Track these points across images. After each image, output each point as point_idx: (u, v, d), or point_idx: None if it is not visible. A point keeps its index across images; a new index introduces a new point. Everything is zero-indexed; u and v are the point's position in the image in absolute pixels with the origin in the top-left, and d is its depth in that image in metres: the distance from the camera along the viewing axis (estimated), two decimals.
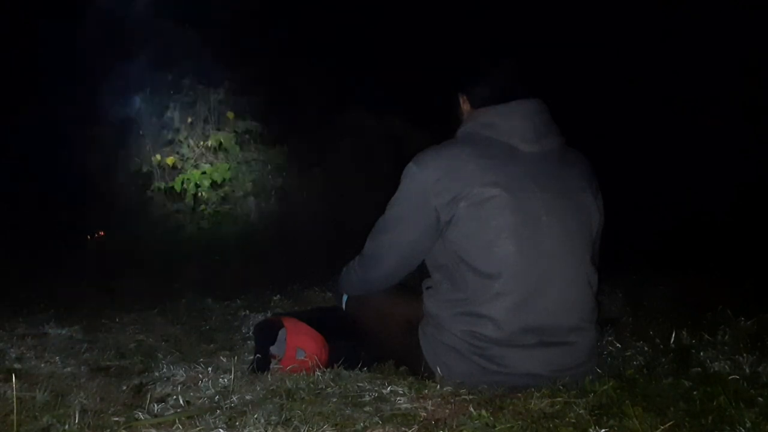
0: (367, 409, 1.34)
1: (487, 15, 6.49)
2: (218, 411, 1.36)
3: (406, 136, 5.92)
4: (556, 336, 1.50)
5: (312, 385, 1.53)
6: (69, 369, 1.87)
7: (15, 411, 1.33)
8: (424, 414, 1.31)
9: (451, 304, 1.55)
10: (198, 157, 5.95)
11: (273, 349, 1.78)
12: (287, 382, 1.56)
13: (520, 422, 1.24)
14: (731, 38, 5.95)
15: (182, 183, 5.82)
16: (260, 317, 2.65)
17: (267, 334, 1.81)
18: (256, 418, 1.28)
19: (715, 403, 1.31)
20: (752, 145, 5.81)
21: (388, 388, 1.47)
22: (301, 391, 1.48)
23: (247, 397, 1.48)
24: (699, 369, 1.65)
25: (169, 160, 5.88)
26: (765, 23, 5.51)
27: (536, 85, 1.61)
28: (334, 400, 1.41)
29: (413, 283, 1.77)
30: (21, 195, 5.76)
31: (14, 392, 1.41)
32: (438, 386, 1.48)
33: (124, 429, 1.29)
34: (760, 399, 1.35)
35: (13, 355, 2.01)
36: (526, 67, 1.63)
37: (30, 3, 6.03)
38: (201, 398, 1.51)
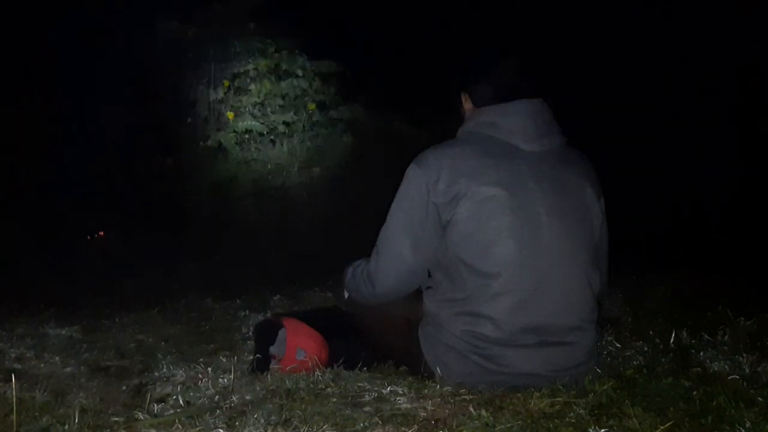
0: (367, 409, 1.34)
1: (488, 15, 6.49)
2: (218, 411, 1.36)
3: (406, 135, 5.92)
4: (556, 336, 1.50)
5: (312, 385, 1.52)
6: (69, 369, 1.87)
7: (15, 411, 1.33)
8: (424, 414, 1.31)
9: (450, 303, 1.55)
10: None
11: (273, 349, 1.77)
12: (287, 382, 1.56)
13: (519, 422, 1.23)
14: (729, 37, 5.95)
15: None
16: (260, 317, 2.65)
17: (267, 334, 1.80)
18: (256, 418, 1.28)
19: (715, 403, 1.31)
20: (753, 146, 5.81)
21: (388, 388, 1.47)
22: (301, 391, 1.48)
23: (247, 397, 1.48)
24: (699, 369, 1.65)
25: None
26: (761, 23, 5.52)
27: (537, 84, 1.61)
28: (334, 400, 1.41)
29: None
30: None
31: (14, 392, 1.41)
32: (438, 386, 1.48)
33: (124, 429, 1.29)
34: (760, 399, 1.35)
35: (13, 355, 2.01)
36: (528, 67, 1.62)
37: None
38: (201, 398, 1.51)
